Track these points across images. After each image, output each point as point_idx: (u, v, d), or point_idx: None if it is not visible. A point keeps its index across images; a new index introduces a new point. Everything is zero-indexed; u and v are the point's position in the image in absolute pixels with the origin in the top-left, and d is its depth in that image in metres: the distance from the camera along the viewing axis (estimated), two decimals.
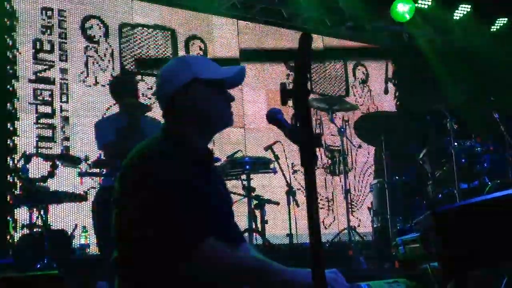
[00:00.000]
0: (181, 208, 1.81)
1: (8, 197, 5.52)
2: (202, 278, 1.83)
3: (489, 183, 5.12)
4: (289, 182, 5.61)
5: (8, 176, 5.69)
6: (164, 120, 2.11)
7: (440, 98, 5.46)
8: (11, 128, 5.84)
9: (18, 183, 5.55)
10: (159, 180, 1.84)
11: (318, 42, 8.31)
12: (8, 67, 5.96)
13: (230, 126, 2.17)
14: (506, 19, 8.73)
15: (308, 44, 1.35)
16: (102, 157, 4.72)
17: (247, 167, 5.32)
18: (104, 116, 5.99)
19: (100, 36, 6.64)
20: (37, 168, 5.64)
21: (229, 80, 2.09)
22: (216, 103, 2.06)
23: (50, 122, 6.12)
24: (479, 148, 5.31)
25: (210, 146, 2.20)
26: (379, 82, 8.78)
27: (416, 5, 8.05)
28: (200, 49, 7.26)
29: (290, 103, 1.42)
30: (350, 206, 6.27)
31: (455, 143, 5.15)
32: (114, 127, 4.51)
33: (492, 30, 8.82)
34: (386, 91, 7.20)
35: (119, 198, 1.93)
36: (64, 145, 6.12)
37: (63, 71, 6.30)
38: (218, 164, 5.06)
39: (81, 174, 4.83)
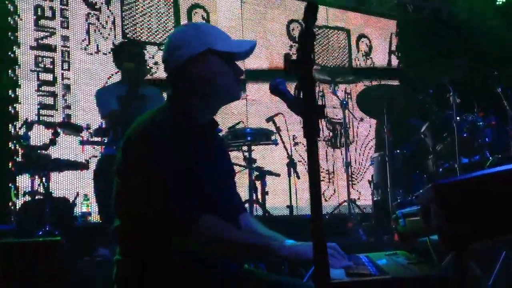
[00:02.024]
0: (180, 184, 1.81)
1: (10, 164, 5.54)
2: (201, 254, 1.84)
3: (490, 157, 5.11)
4: (290, 154, 5.62)
5: (10, 144, 5.70)
6: (170, 87, 2.08)
7: (443, 72, 5.40)
8: (12, 95, 5.83)
9: (19, 151, 5.56)
10: (162, 157, 1.83)
11: (322, 13, 8.22)
12: (9, 34, 5.92)
13: (237, 100, 2.14)
14: None
15: (314, 13, 1.34)
16: (103, 125, 4.72)
17: (249, 138, 5.32)
18: (106, 84, 5.97)
19: (102, 3, 6.57)
20: (39, 136, 5.65)
21: (239, 53, 2.05)
22: (226, 76, 2.02)
23: (51, 90, 6.10)
24: (481, 123, 5.28)
25: None
26: (382, 54, 8.73)
27: None
28: (203, 18, 7.19)
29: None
30: (350, 178, 6.29)
31: (457, 117, 5.13)
32: (115, 95, 4.52)
33: (497, 3, 8.73)
34: (389, 64, 7.16)
35: (122, 169, 1.93)
36: (65, 113, 6.12)
37: (65, 38, 6.26)
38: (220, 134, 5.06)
39: (83, 143, 4.84)
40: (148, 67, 4.84)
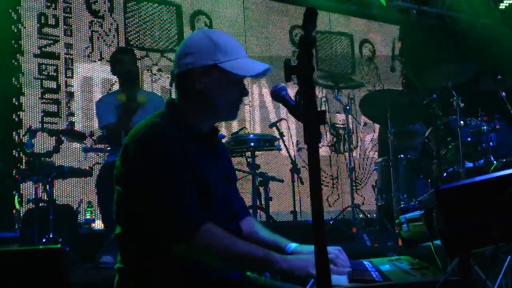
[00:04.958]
0: (179, 191, 1.80)
1: (14, 172, 5.54)
2: (200, 261, 1.83)
3: (495, 162, 5.09)
4: (293, 159, 5.61)
5: (14, 151, 5.71)
6: (175, 89, 2.05)
7: (447, 76, 5.40)
8: (16, 103, 5.84)
9: (23, 158, 5.57)
10: (160, 161, 1.83)
11: (325, 18, 8.22)
12: (13, 42, 5.94)
13: (233, 120, 2.09)
14: None
15: (313, 19, 1.33)
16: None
17: (252, 144, 5.31)
18: (109, 92, 5.98)
19: (105, 11, 6.59)
20: (42, 143, 5.66)
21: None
22: (226, 96, 1.98)
23: (55, 97, 6.11)
24: (485, 127, 5.27)
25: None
26: (385, 60, 8.72)
27: None
28: (206, 24, 7.19)
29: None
30: (354, 184, 6.27)
31: (461, 122, 5.11)
32: (114, 105, 4.55)
33: (500, 7, 8.72)
34: (392, 69, 7.15)
35: (120, 176, 1.93)
36: (69, 120, 6.12)
37: (68, 46, 6.27)
38: (223, 140, 5.06)
39: (86, 150, 4.85)
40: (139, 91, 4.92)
